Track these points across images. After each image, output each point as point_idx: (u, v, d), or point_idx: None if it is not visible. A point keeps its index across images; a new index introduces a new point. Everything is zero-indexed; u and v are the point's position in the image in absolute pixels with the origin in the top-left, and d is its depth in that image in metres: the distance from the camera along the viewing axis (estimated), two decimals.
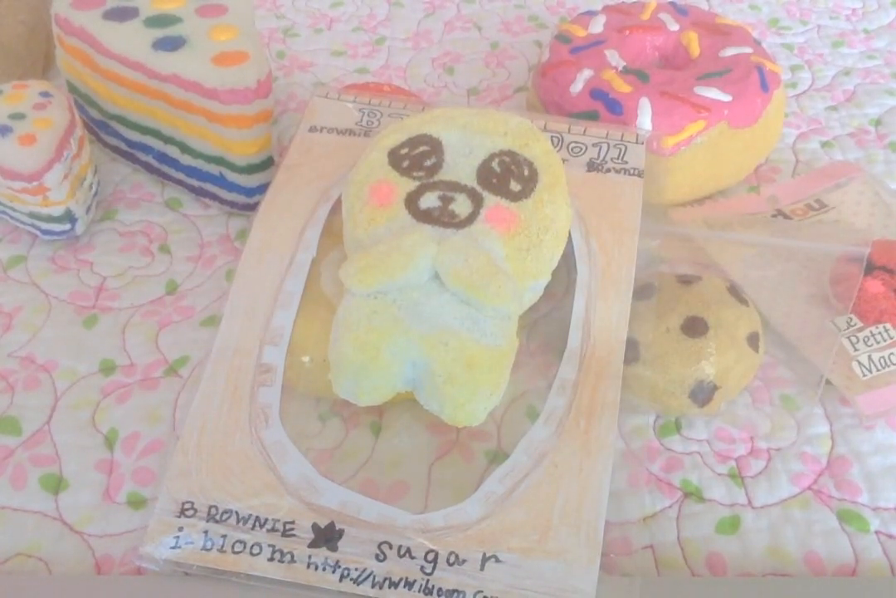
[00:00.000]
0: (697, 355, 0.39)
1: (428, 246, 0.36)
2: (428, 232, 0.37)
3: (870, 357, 0.41)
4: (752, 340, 0.40)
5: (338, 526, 0.35)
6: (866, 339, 0.42)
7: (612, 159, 0.44)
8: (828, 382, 0.41)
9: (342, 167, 0.43)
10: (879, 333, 0.42)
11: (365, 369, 0.35)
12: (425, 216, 0.37)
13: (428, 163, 0.39)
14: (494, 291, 0.36)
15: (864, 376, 0.41)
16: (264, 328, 0.39)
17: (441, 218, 0.37)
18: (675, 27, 0.53)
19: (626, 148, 0.45)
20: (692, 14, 0.54)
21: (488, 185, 0.38)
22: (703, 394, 0.39)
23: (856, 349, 0.42)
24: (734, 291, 0.41)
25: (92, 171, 0.48)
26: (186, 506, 0.35)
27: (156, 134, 0.49)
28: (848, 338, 0.42)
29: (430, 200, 0.38)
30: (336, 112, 0.47)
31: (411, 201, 0.38)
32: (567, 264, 0.41)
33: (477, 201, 0.38)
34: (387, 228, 0.37)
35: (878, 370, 0.41)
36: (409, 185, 0.38)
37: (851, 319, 0.42)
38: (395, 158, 0.39)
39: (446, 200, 0.38)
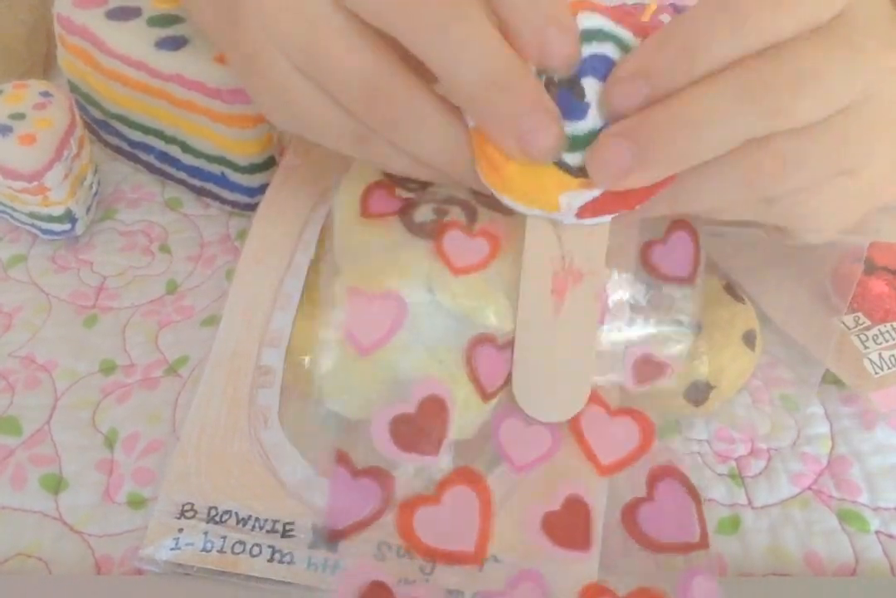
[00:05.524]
0: (691, 355, 0.38)
1: (423, 262, 0.36)
2: (423, 247, 0.36)
3: (880, 355, 0.41)
4: (749, 338, 0.40)
5: None
6: (875, 337, 0.42)
7: None
8: (836, 381, 0.41)
9: (341, 169, 0.43)
10: (887, 331, 0.42)
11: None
12: (420, 230, 0.37)
13: None
14: (493, 310, 0.35)
15: (877, 373, 0.41)
16: (263, 330, 0.39)
17: (436, 232, 0.37)
18: None
19: None
20: None
21: (483, 198, 0.38)
22: (698, 394, 0.39)
23: (866, 347, 0.41)
24: (730, 289, 0.41)
25: (92, 170, 0.48)
26: (186, 508, 0.35)
27: (158, 134, 0.49)
28: (857, 336, 0.42)
29: (424, 214, 0.37)
30: None
31: (406, 214, 0.38)
32: None
33: (471, 215, 0.37)
34: (380, 242, 0.37)
35: (889, 368, 0.41)
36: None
37: (859, 317, 0.42)
38: None
39: (441, 214, 0.37)
